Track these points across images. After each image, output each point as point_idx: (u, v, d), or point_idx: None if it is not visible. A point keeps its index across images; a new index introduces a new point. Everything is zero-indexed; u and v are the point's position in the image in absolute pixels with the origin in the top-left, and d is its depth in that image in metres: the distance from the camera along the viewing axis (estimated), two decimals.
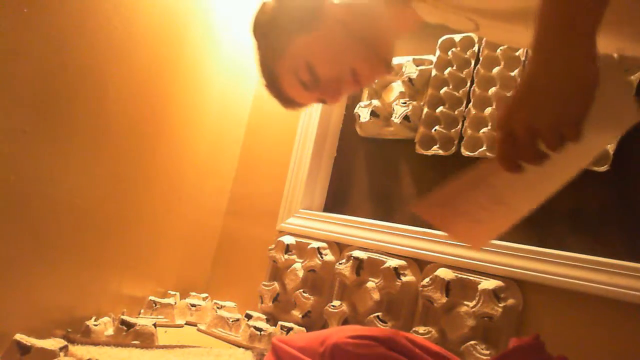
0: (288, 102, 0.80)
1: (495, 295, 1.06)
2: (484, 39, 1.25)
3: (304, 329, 1.27)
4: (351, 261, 1.26)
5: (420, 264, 1.23)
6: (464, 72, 1.28)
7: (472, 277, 1.12)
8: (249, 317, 1.36)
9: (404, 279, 1.19)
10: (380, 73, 0.78)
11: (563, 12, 0.48)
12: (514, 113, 0.50)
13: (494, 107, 1.21)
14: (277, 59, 0.74)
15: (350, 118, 1.50)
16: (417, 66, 1.34)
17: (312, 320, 1.33)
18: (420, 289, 1.15)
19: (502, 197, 0.62)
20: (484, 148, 1.21)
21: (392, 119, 1.35)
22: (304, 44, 0.72)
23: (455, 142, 1.26)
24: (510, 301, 1.06)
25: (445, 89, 1.29)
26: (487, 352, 1.03)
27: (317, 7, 0.71)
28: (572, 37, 0.48)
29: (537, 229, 1.12)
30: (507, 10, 0.58)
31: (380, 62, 0.75)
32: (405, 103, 1.34)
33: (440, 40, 1.33)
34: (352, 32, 0.71)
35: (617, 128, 0.55)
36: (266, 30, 0.76)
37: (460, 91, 1.28)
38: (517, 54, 1.20)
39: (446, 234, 1.19)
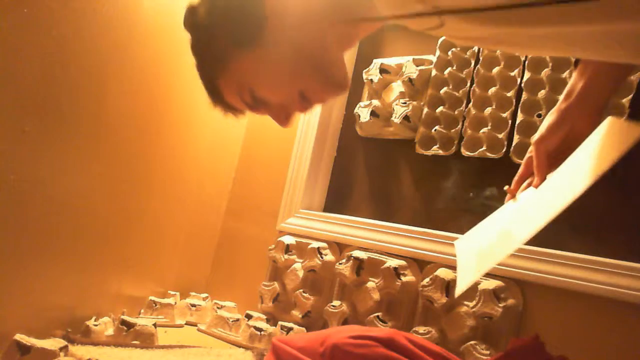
0: (233, 110, 0.71)
1: (495, 295, 1.06)
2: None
3: (304, 329, 1.27)
4: (351, 261, 1.26)
5: (420, 264, 1.23)
6: (464, 72, 1.28)
7: None
8: (249, 317, 1.36)
9: (404, 279, 1.19)
10: (333, 93, 0.67)
11: None
12: None
13: (493, 107, 1.21)
14: (218, 72, 0.66)
15: (350, 118, 1.50)
16: (417, 66, 1.34)
17: (312, 320, 1.33)
18: (420, 289, 1.15)
19: None
20: (484, 148, 1.21)
21: (392, 119, 1.35)
22: (246, 64, 0.63)
23: (455, 142, 1.26)
24: (510, 301, 1.06)
25: (445, 89, 1.29)
26: (487, 352, 1.03)
27: (258, 22, 0.61)
28: None
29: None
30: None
31: (332, 82, 0.66)
32: (405, 103, 1.34)
33: (440, 40, 1.33)
34: (298, 53, 0.62)
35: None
36: (204, 34, 0.65)
37: (460, 91, 1.28)
38: (517, 53, 1.20)
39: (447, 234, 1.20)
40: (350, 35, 0.66)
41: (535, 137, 0.75)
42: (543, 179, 0.73)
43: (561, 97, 0.74)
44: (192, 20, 0.66)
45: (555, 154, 0.73)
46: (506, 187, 0.80)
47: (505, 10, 0.47)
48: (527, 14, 0.46)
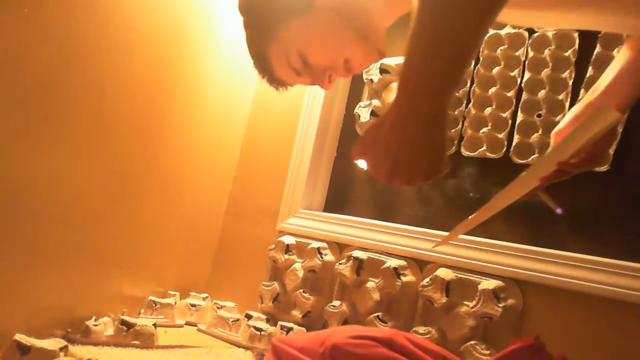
0: (278, 82, 0.79)
1: (495, 295, 1.06)
2: (484, 38, 1.25)
3: (304, 329, 1.27)
4: (351, 261, 1.26)
5: (420, 264, 1.23)
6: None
7: (472, 277, 1.12)
8: (249, 317, 1.36)
9: (404, 279, 1.19)
10: (373, 61, 0.76)
11: (413, 92, 0.51)
12: (378, 162, 0.56)
13: (493, 107, 1.21)
14: (268, 42, 0.72)
15: (350, 118, 1.50)
16: None
17: (312, 320, 1.33)
18: (420, 289, 1.15)
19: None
20: (484, 148, 1.21)
21: None
22: (296, 30, 0.70)
23: (455, 142, 1.26)
24: (510, 301, 1.06)
25: None
26: (487, 352, 1.03)
27: None
28: (420, 112, 0.51)
29: (537, 229, 1.12)
30: None
31: (373, 51, 0.73)
32: None
33: None
34: (346, 21, 0.69)
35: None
36: (256, 9, 0.73)
37: (460, 91, 1.28)
38: (517, 53, 1.21)
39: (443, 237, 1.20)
40: (391, 7, 0.71)
41: (555, 129, 0.76)
42: None
43: (588, 93, 0.73)
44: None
45: None
46: None
47: None
48: None
